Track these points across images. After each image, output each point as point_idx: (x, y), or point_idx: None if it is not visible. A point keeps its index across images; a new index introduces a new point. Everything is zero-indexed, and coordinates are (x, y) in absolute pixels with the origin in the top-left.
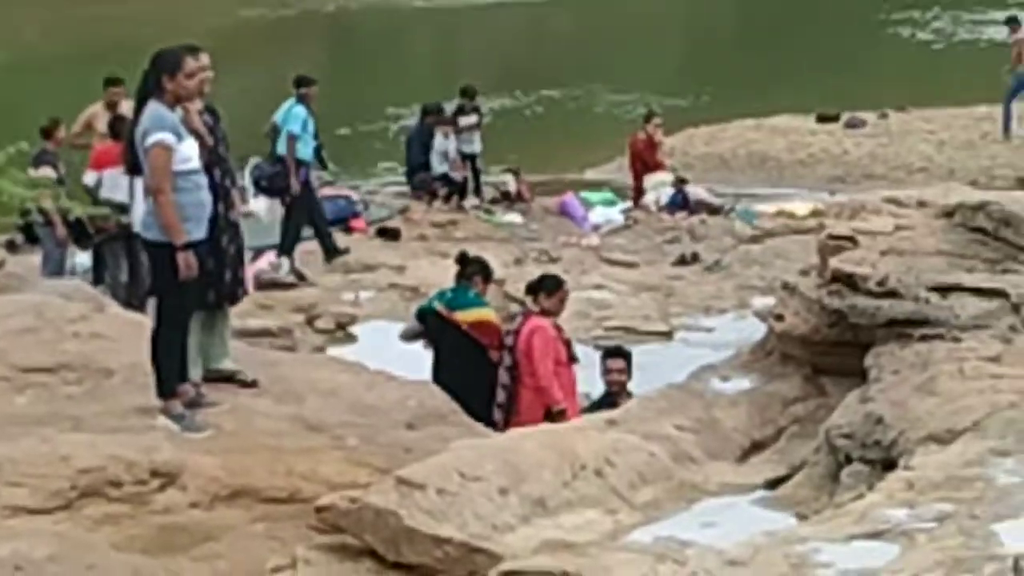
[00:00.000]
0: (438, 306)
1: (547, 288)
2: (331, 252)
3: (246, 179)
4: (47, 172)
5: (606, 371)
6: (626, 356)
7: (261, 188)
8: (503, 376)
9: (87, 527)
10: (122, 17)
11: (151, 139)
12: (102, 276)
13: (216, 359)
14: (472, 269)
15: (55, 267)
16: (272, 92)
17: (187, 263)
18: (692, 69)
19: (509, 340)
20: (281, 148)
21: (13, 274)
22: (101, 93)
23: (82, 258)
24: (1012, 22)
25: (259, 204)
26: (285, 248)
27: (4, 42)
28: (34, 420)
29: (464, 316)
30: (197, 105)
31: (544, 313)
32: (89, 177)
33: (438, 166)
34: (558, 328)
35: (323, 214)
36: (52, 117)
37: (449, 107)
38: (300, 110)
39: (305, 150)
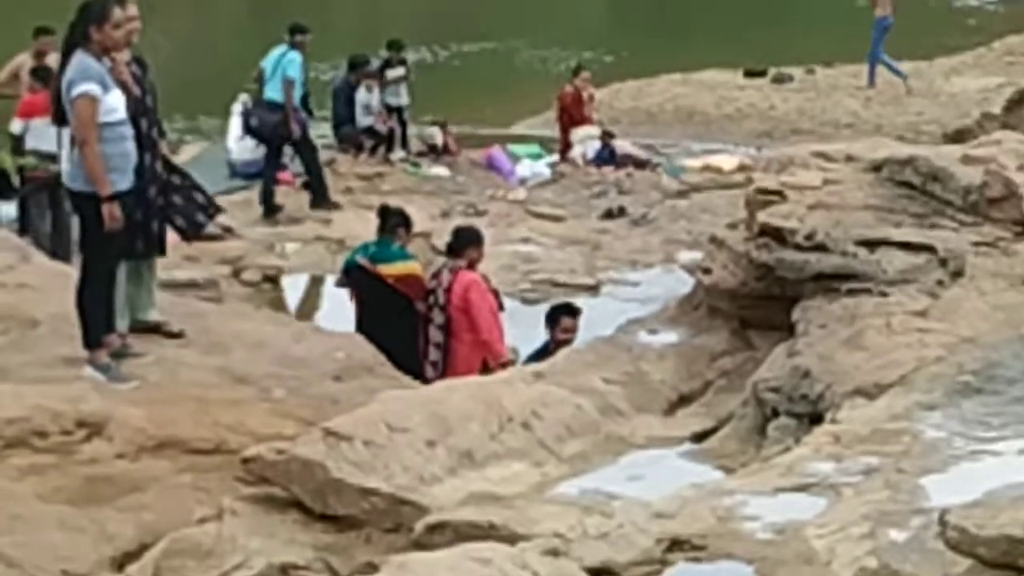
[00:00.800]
0: (361, 259)
1: (473, 241)
2: (321, 199)
3: (232, 119)
4: None
5: (561, 329)
6: (577, 313)
7: (252, 131)
8: (435, 334)
9: (12, 477)
10: None
11: (76, 90)
12: (27, 226)
13: (143, 310)
14: (394, 221)
15: None
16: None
17: (112, 214)
18: (619, 23)
19: (440, 297)
20: (272, 94)
21: None
22: (29, 42)
23: (7, 208)
24: None
25: (241, 145)
26: (316, 192)
27: None
28: None
29: (388, 269)
30: (125, 56)
31: (470, 266)
32: (16, 126)
33: (362, 119)
34: (486, 279)
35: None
36: None
37: (376, 60)
38: (297, 56)
39: (297, 96)
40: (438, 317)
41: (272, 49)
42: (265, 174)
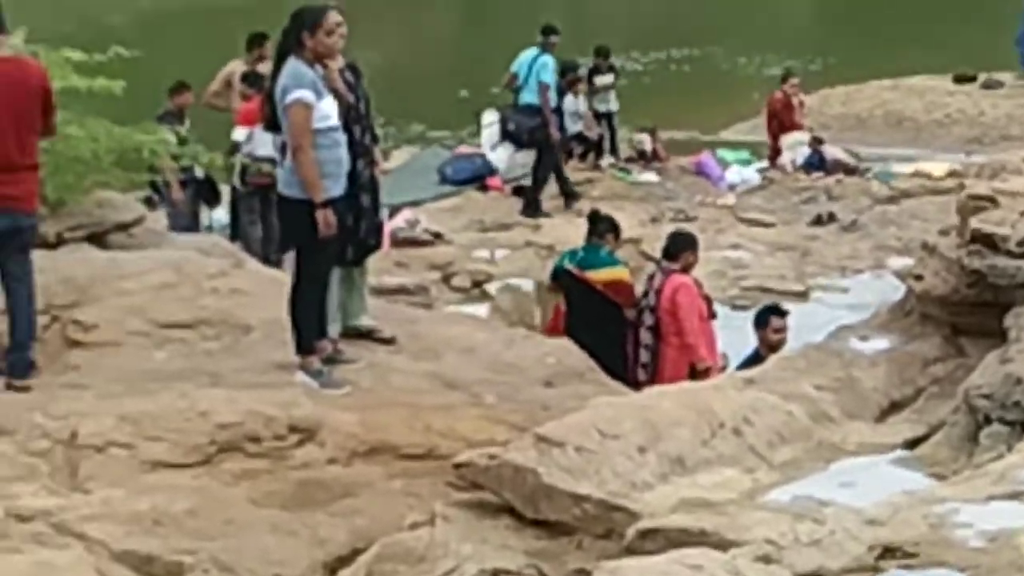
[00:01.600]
0: (569, 265)
1: (683, 245)
2: (570, 196)
3: (486, 129)
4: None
5: (772, 330)
6: (785, 315)
7: (510, 136)
8: (645, 336)
9: (225, 482)
10: None
11: (291, 96)
12: (238, 232)
13: (355, 316)
14: (603, 227)
15: (185, 222)
16: (406, 49)
17: (326, 220)
18: (826, 28)
19: (651, 299)
20: (530, 97)
21: (152, 230)
22: (240, 48)
23: (219, 214)
24: None
25: (500, 154)
26: (531, 196)
27: None
28: (173, 375)
29: (597, 275)
30: (339, 62)
31: (684, 270)
32: (239, 133)
33: (571, 125)
34: (698, 284)
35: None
36: (179, 80)
37: (584, 67)
38: (550, 60)
39: (553, 98)
40: (648, 319)
41: (521, 52)
42: (538, 174)
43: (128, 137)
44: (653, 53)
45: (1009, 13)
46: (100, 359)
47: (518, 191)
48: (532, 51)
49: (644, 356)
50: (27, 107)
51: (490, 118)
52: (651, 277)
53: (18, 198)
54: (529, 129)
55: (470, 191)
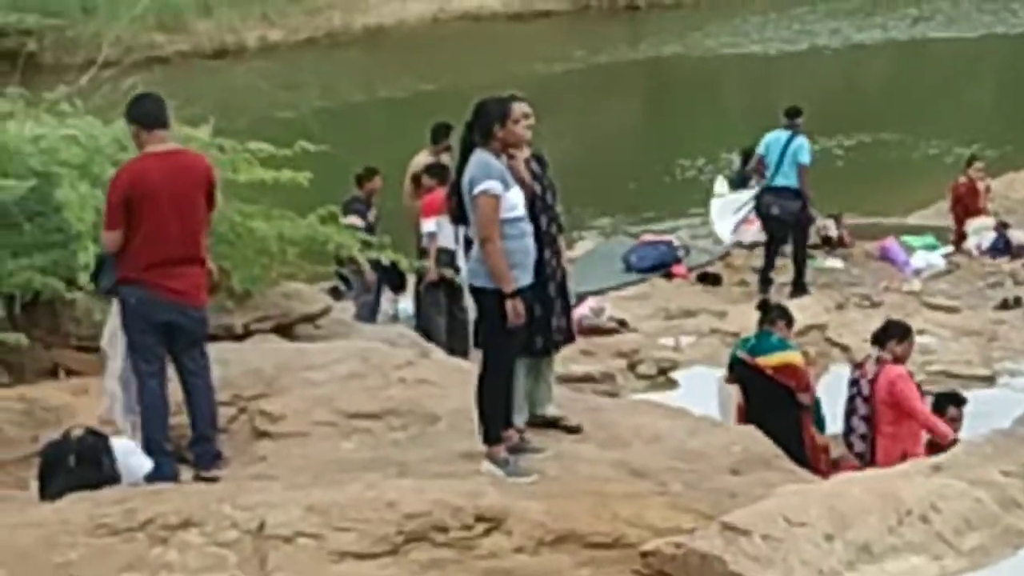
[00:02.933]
0: (741, 353)
1: (898, 335)
2: (799, 288)
3: (717, 200)
4: (355, 220)
5: (948, 419)
6: (963, 403)
7: (773, 219)
8: (859, 425)
9: (414, 572)
10: (451, 64)
11: (479, 188)
12: (424, 323)
13: (541, 404)
14: (773, 314)
15: (367, 313)
16: (589, 139)
17: (515, 310)
18: (1012, 112)
19: (865, 388)
20: (785, 180)
21: (339, 320)
22: (420, 138)
23: (405, 304)
24: None
25: (725, 226)
26: (797, 280)
27: (334, 84)
28: (361, 465)
29: (767, 361)
30: (524, 153)
31: (896, 360)
32: (429, 225)
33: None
34: (911, 375)
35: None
36: (368, 166)
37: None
38: (805, 141)
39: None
40: (862, 408)
41: (765, 135)
42: (798, 256)
43: (314, 229)
44: (837, 138)
45: None
46: (288, 449)
47: (703, 278)
48: (781, 134)
49: (859, 446)
50: (192, 200)
51: (721, 188)
52: (860, 364)
53: (183, 292)
54: (792, 211)
55: (655, 278)
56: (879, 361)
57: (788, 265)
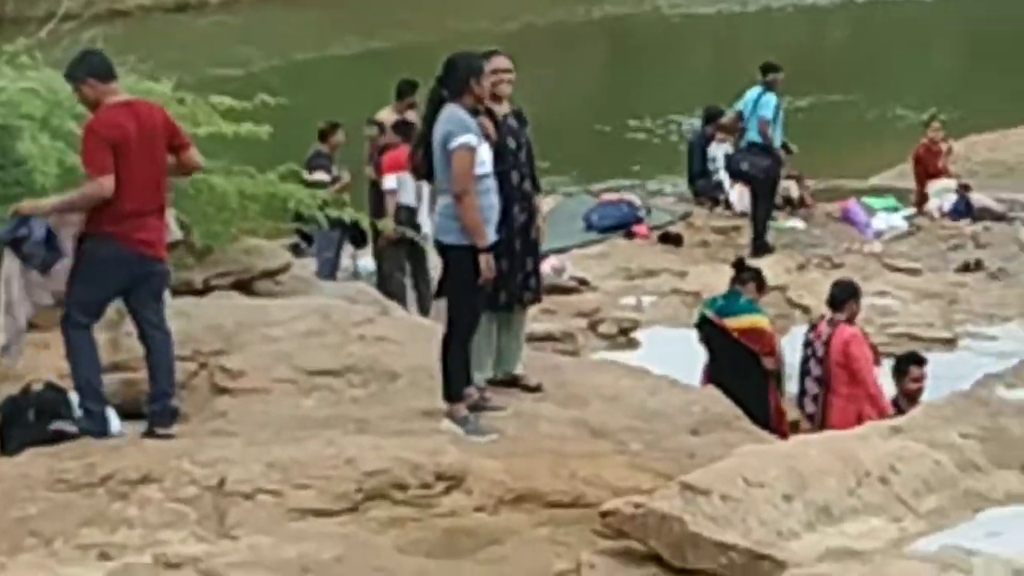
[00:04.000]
0: (709, 313)
1: (847, 294)
2: (760, 248)
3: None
4: (320, 176)
5: (911, 379)
6: (923, 363)
7: (743, 175)
8: (811, 386)
9: (373, 529)
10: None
11: (458, 140)
12: (383, 280)
13: (510, 361)
14: (746, 275)
15: (327, 270)
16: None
17: (488, 264)
18: (975, 75)
19: (817, 350)
20: (753, 135)
21: (298, 277)
22: (385, 93)
23: (365, 261)
24: None
25: (735, 193)
26: (757, 237)
27: (294, 40)
28: (320, 422)
29: (734, 323)
30: (504, 108)
31: (849, 320)
32: (389, 181)
33: (716, 173)
34: (864, 334)
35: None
36: (329, 120)
37: (730, 112)
38: (772, 97)
39: (776, 136)
40: (815, 369)
41: (746, 91)
42: (759, 214)
43: (275, 185)
44: (798, 100)
45: None
46: (247, 406)
47: (665, 238)
48: (756, 89)
49: (810, 407)
50: (158, 149)
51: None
52: (814, 327)
53: (150, 243)
54: (763, 167)
55: (616, 238)
56: (833, 323)
57: (747, 223)
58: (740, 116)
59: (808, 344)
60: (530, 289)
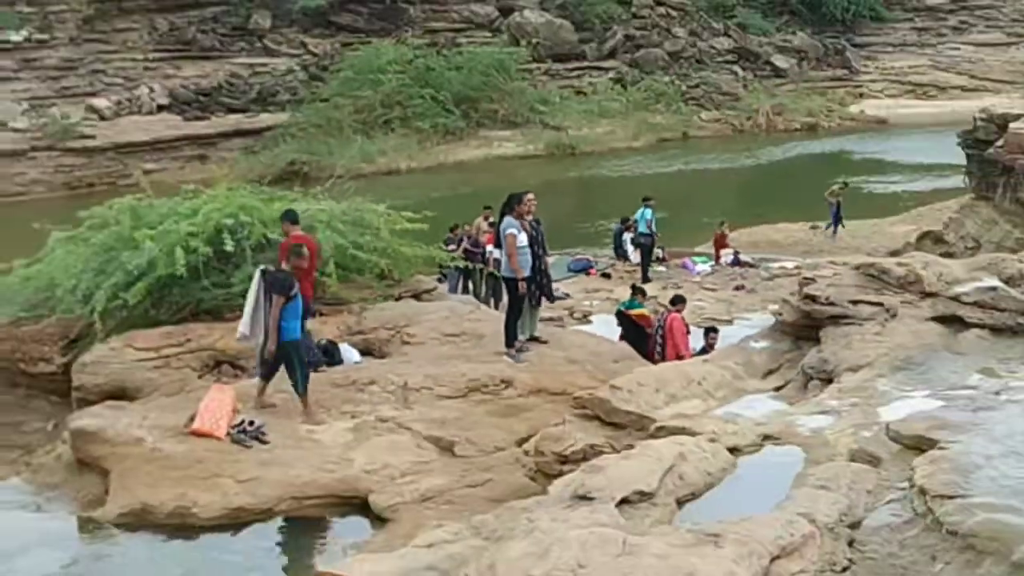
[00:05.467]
0: (621, 308)
1: (678, 300)
2: (645, 280)
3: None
4: (451, 248)
5: (709, 339)
6: (717, 331)
7: (636, 245)
8: (659, 345)
9: (472, 404)
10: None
11: (508, 231)
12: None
13: (532, 328)
14: (638, 291)
15: (453, 290)
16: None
17: (522, 286)
18: (744, 198)
19: (664, 326)
20: (642, 227)
21: (440, 293)
22: (475, 210)
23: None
24: None
25: (634, 254)
26: (643, 275)
27: (433, 188)
28: (449, 357)
29: (633, 312)
30: (530, 217)
31: (677, 312)
32: (490, 248)
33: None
34: (684, 321)
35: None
36: (453, 224)
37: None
38: (648, 211)
39: (653, 228)
40: (659, 338)
41: (639, 209)
42: (644, 264)
43: (428, 251)
44: (664, 213)
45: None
46: (417, 350)
47: (605, 275)
48: (642, 208)
49: (658, 354)
50: (313, 265)
51: (626, 238)
52: (662, 316)
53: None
54: (646, 243)
55: (582, 275)
56: (669, 312)
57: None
58: (635, 221)
59: (660, 324)
60: (542, 296)
